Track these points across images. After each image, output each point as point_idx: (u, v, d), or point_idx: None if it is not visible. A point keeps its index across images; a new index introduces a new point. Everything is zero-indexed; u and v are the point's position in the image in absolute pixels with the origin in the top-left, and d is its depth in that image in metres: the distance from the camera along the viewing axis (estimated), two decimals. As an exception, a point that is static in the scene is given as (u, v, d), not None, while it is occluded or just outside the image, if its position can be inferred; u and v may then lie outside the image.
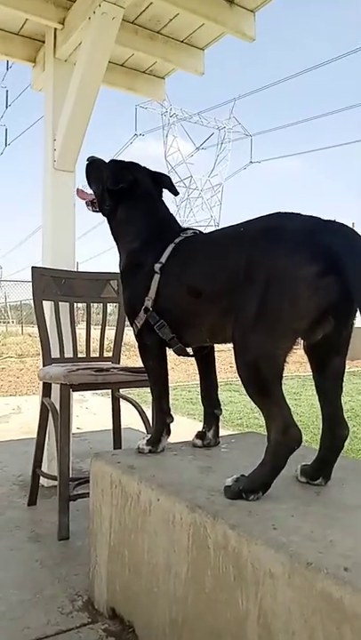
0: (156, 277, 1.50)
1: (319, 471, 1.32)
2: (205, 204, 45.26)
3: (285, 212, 1.30)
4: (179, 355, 1.59)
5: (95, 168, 1.79)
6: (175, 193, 1.79)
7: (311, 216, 1.26)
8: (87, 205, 1.81)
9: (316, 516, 1.11)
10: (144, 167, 1.77)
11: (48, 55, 2.91)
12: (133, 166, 1.75)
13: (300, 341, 1.26)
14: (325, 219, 1.24)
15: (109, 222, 1.76)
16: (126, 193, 1.68)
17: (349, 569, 0.87)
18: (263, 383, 1.22)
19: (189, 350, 1.59)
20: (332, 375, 1.30)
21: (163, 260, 1.51)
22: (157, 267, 1.51)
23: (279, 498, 1.21)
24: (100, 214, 1.79)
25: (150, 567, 1.29)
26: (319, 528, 1.04)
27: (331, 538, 0.99)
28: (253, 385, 1.24)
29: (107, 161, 1.79)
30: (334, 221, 1.23)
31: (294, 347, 1.22)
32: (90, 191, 1.80)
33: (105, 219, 1.78)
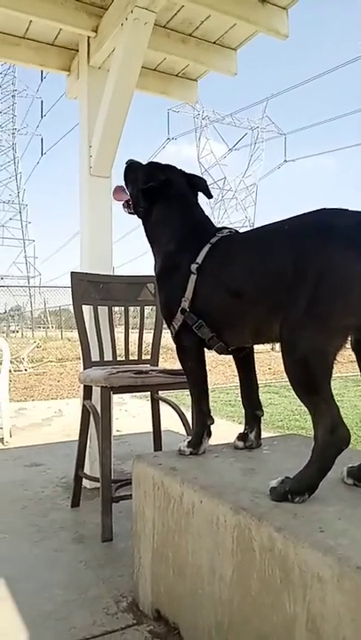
0: (193, 278, 1.50)
1: None
2: (240, 205, 45.09)
3: (333, 208, 1.28)
4: (220, 353, 1.58)
5: (132, 170, 1.81)
6: (210, 196, 1.79)
7: (359, 211, 1.23)
8: (123, 207, 1.84)
9: (364, 518, 1.08)
10: (179, 169, 1.77)
11: (82, 63, 2.96)
12: (167, 168, 1.76)
13: (349, 339, 1.24)
14: None
15: (144, 224, 1.77)
16: (160, 194, 1.69)
17: None
18: (312, 380, 1.20)
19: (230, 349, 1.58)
20: None
21: (199, 260, 1.50)
22: (194, 267, 1.51)
23: (325, 500, 1.18)
24: (136, 216, 1.80)
25: (195, 569, 1.28)
26: (368, 531, 1.01)
27: (380, 541, 0.96)
28: (302, 382, 1.22)
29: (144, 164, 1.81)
30: None
31: (345, 344, 1.19)
32: (127, 192, 1.82)
33: (140, 221, 1.80)
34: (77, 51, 3.04)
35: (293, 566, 0.99)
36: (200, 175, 1.80)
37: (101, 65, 2.95)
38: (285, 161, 47.67)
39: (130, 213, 1.82)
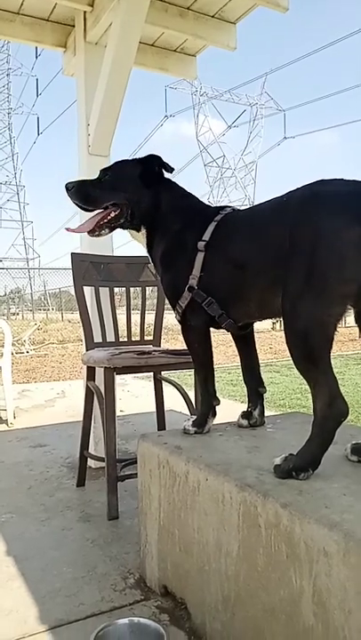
0: (200, 255, 1.50)
1: None
2: (239, 183, 44.66)
3: (329, 179, 1.28)
4: (228, 331, 1.59)
5: (110, 176, 1.70)
6: (170, 170, 1.69)
7: (356, 180, 1.23)
8: (101, 229, 1.68)
9: (369, 494, 1.09)
10: (133, 159, 1.72)
11: (78, 39, 2.90)
12: (154, 155, 1.70)
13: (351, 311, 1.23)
14: None
15: (144, 221, 1.68)
16: (160, 180, 1.67)
17: None
18: (311, 351, 1.20)
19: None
20: None
21: (206, 237, 1.50)
22: (201, 245, 1.50)
23: (330, 477, 1.19)
24: (125, 226, 1.71)
25: (201, 546, 1.30)
26: (373, 506, 1.02)
27: (386, 516, 0.97)
28: (301, 354, 1.22)
29: (113, 167, 1.73)
30: None
31: (344, 314, 1.19)
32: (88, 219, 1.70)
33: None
34: (73, 26, 2.98)
35: (299, 542, 1.00)
36: (150, 155, 1.69)
37: (98, 41, 2.89)
38: (285, 138, 47.14)
39: (111, 228, 1.69)
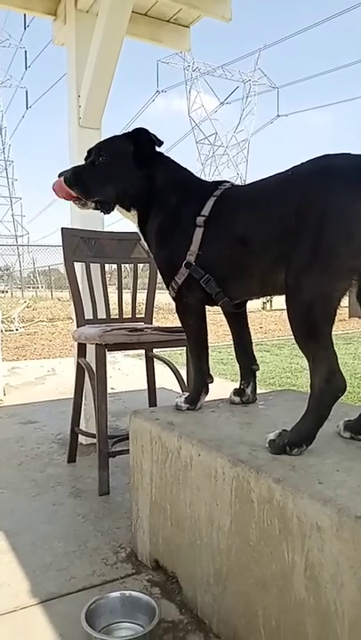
0: (199, 231, 1.46)
1: None
2: (231, 161, 44.23)
3: (336, 153, 1.25)
4: (224, 309, 1.57)
5: (100, 161, 1.62)
6: (159, 143, 1.63)
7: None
8: (87, 203, 1.64)
9: (361, 470, 1.09)
10: (123, 134, 1.66)
11: (69, 6, 2.81)
12: (142, 129, 1.64)
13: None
14: None
15: (136, 202, 1.63)
16: (154, 155, 1.62)
17: None
18: (314, 325, 1.19)
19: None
20: None
21: (205, 212, 1.47)
22: (200, 220, 1.47)
23: (323, 453, 1.19)
24: (120, 206, 1.66)
25: (193, 520, 1.30)
26: (366, 482, 1.02)
27: (379, 492, 0.97)
28: (303, 328, 1.21)
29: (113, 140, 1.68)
30: None
31: (349, 289, 1.18)
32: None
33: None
34: (64, -7, 2.88)
35: (292, 517, 1.00)
36: (136, 128, 1.64)
37: (89, 8, 2.80)
38: (278, 116, 46.61)
39: (106, 211, 1.66)
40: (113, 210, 1.67)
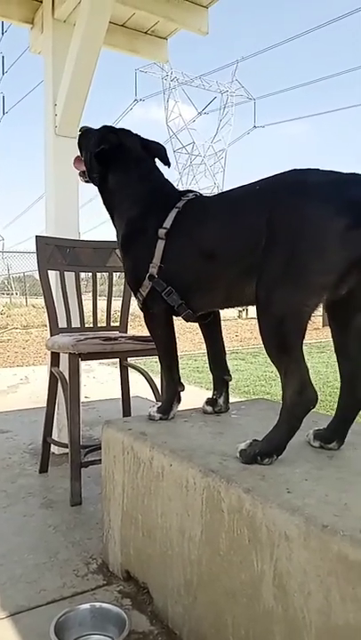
0: (161, 243, 1.47)
1: (334, 433, 1.31)
2: (208, 171, 44.57)
3: (305, 169, 1.27)
4: (187, 321, 1.57)
5: (85, 136, 1.74)
6: (167, 164, 1.71)
7: (332, 170, 1.23)
8: (80, 175, 1.77)
9: (329, 479, 1.11)
10: (135, 134, 1.71)
11: (46, 15, 2.81)
12: (121, 131, 1.70)
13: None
14: (348, 172, 1.21)
15: (101, 192, 1.71)
16: (115, 159, 1.64)
17: (365, 531, 0.87)
18: (285, 340, 1.20)
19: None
20: (354, 333, 1.28)
21: (167, 224, 1.47)
22: (162, 232, 1.47)
23: (293, 462, 1.21)
24: (93, 184, 1.74)
25: (164, 531, 1.31)
26: (334, 492, 1.04)
27: (345, 501, 0.99)
28: (275, 341, 1.22)
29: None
30: (357, 174, 1.20)
31: (320, 304, 1.20)
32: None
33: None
34: (41, 2, 2.88)
35: (261, 526, 1.01)
36: (159, 142, 1.73)
37: (67, 18, 2.81)
38: (255, 127, 47.22)
39: (85, 181, 1.76)
40: None
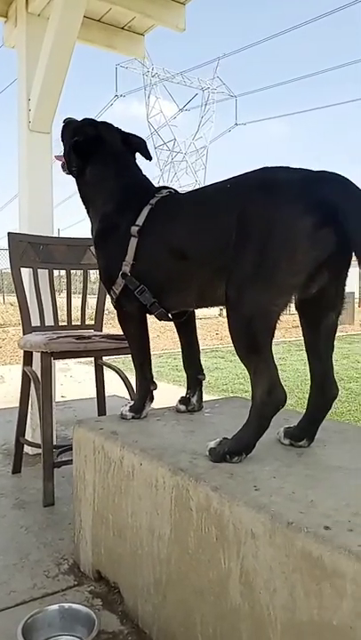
0: (134, 241, 1.46)
1: (304, 431, 1.32)
2: (190, 168, 44.55)
3: (274, 167, 1.26)
4: (160, 319, 1.56)
5: (67, 127, 1.74)
6: (148, 157, 1.71)
7: (301, 168, 1.23)
8: (62, 167, 1.76)
9: (297, 476, 1.12)
10: (115, 127, 1.70)
11: (20, 9, 2.77)
12: (101, 124, 1.69)
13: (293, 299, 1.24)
14: (318, 169, 1.21)
15: (78, 185, 1.71)
16: (93, 151, 1.63)
17: (330, 528, 0.88)
18: (255, 340, 1.20)
19: (170, 315, 1.56)
20: (324, 332, 1.28)
21: (140, 222, 1.46)
22: (134, 230, 1.46)
23: (261, 460, 1.21)
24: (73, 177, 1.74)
25: (134, 530, 1.30)
26: (301, 488, 1.04)
27: (312, 498, 1.00)
28: (244, 341, 1.22)
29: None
30: (326, 171, 1.19)
31: (289, 304, 1.20)
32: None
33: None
34: (15, -5, 2.84)
35: (228, 524, 1.01)
36: (139, 135, 1.73)
37: (41, 12, 2.77)
38: (236, 124, 47.33)
39: (66, 173, 1.75)
40: None
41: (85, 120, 1.73)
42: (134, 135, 1.72)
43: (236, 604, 1.00)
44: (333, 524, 0.89)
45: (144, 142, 1.73)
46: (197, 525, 1.09)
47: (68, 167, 1.71)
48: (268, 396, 1.19)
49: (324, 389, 1.30)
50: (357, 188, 1.13)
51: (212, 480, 1.09)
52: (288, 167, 1.25)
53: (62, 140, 1.76)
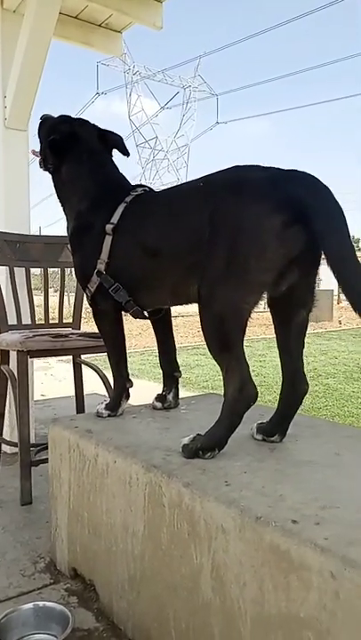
0: (108, 239, 1.46)
1: (276, 427, 1.34)
2: (172, 166, 44.50)
3: (246, 165, 1.27)
4: (135, 317, 1.56)
5: (43, 124, 1.72)
6: (126, 153, 1.71)
7: (272, 167, 1.24)
8: (39, 164, 1.75)
9: (268, 471, 1.13)
10: (92, 124, 1.70)
11: (-5, 5, 2.74)
12: (77, 121, 1.68)
13: (265, 297, 1.25)
14: (288, 168, 1.23)
15: (55, 183, 1.70)
16: (69, 149, 1.62)
17: (297, 522, 0.90)
18: (226, 337, 1.21)
19: (146, 313, 1.57)
20: (295, 330, 1.30)
21: (114, 220, 1.46)
22: (109, 228, 1.46)
23: (234, 455, 1.22)
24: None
25: (109, 527, 1.30)
26: (270, 483, 1.06)
27: (281, 492, 1.01)
28: (216, 338, 1.24)
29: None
30: (296, 170, 1.21)
31: (260, 301, 1.21)
32: None
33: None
34: (-11, -10, 2.80)
35: (200, 519, 1.03)
36: (115, 132, 1.73)
37: (16, 8, 2.74)
38: (218, 122, 47.40)
39: (44, 170, 1.74)
40: None
41: (61, 117, 1.72)
42: (111, 132, 1.72)
43: (207, 598, 1.01)
44: (301, 518, 0.91)
45: (121, 139, 1.73)
46: (170, 521, 1.10)
47: (45, 165, 1.70)
48: (240, 393, 1.20)
49: (294, 385, 1.32)
50: (325, 187, 1.15)
51: (184, 476, 1.10)
52: (259, 166, 1.26)
53: (39, 137, 1.75)
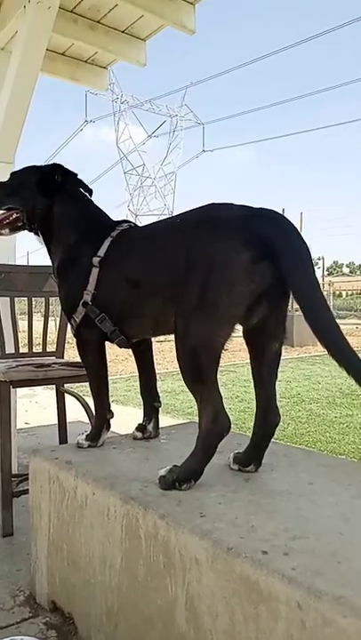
0: (95, 271, 1.51)
1: (251, 457, 1.37)
2: (159, 193, 45.02)
3: (219, 203, 1.35)
4: (120, 347, 1.60)
5: (13, 180, 1.73)
6: (89, 192, 1.75)
7: (243, 205, 1.31)
8: (1, 228, 1.73)
9: (242, 502, 1.16)
10: (63, 166, 1.74)
11: (-17, 43, 2.83)
12: (52, 165, 1.72)
13: (240, 328, 1.30)
14: (257, 207, 1.29)
15: (41, 228, 1.70)
16: (58, 190, 1.67)
17: (267, 552, 0.92)
18: (200, 369, 1.25)
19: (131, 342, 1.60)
20: (268, 361, 1.35)
21: (101, 253, 1.51)
22: (96, 260, 1.51)
23: (210, 486, 1.25)
24: (26, 229, 1.75)
25: (87, 559, 1.31)
26: (243, 514, 1.08)
27: (253, 523, 1.04)
28: (190, 371, 1.28)
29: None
30: (265, 209, 1.28)
31: (232, 334, 1.26)
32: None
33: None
34: (-22, 29, 2.90)
35: (175, 551, 1.05)
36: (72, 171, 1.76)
37: (4, 46, 2.85)
38: (204, 151, 48.21)
39: (10, 233, 1.75)
40: (23, 226, 1.73)
41: (36, 166, 1.75)
42: (73, 172, 1.75)
43: (182, 630, 1.03)
44: (271, 549, 0.93)
45: (60, 167, 1.73)
46: (146, 553, 1.12)
47: (29, 217, 1.69)
48: (213, 424, 1.23)
49: (266, 416, 1.36)
50: (289, 224, 1.23)
51: (160, 508, 1.13)
52: (232, 204, 1.33)
53: (14, 193, 1.72)
